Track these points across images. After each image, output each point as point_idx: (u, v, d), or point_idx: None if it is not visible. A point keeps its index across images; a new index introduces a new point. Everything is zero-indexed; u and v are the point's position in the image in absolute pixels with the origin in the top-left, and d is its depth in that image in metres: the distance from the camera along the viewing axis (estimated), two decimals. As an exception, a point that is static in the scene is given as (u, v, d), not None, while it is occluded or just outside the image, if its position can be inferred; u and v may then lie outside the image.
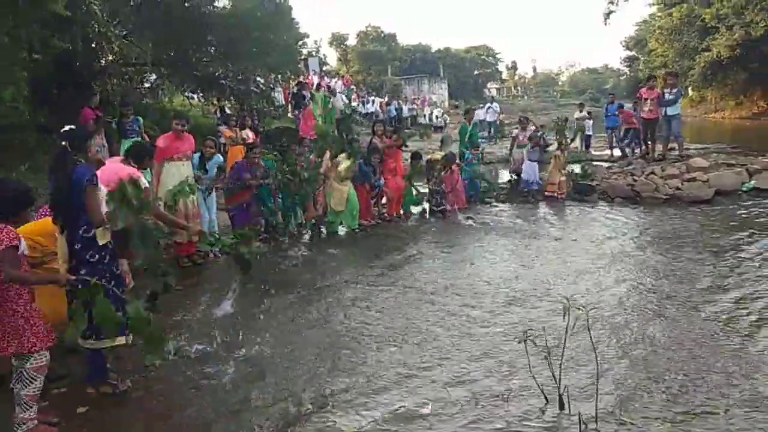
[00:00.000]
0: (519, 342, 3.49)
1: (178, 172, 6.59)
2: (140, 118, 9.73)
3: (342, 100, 16.03)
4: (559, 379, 3.43)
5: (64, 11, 8.49)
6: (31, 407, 3.38)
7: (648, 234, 8.24)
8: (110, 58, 14.15)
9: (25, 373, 3.35)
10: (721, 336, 4.53)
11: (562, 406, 3.45)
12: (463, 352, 4.39)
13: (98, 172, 4.84)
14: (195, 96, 18.66)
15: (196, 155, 7.25)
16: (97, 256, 3.74)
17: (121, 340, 3.82)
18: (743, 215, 8.91)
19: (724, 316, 4.94)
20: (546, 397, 3.53)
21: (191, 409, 3.72)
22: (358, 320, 5.22)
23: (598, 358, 3.56)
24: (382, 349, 4.55)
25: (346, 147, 9.03)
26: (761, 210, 9.09)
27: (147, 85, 16.83)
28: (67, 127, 3.89)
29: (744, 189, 10.44)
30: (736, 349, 4.27)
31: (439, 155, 10.49)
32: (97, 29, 12.13)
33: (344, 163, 8.76)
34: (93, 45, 13.14)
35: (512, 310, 5.30)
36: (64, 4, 8.65)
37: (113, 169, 4.79)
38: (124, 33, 14.28)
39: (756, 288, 5.63)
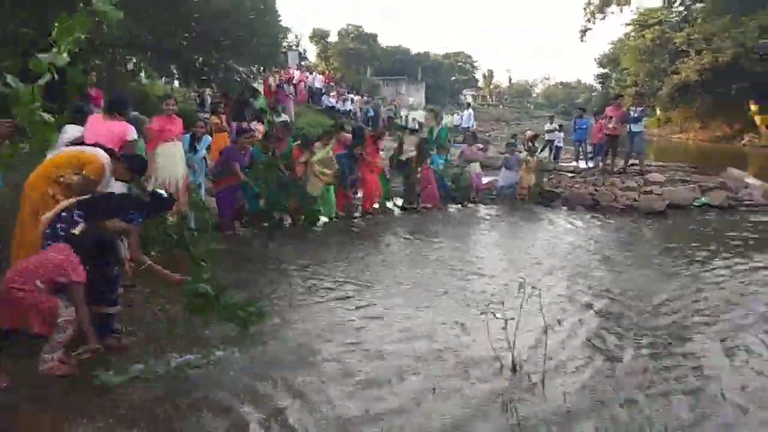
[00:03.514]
0: (481, 313, 4.01)
1: (173, 152, 6.99)
2: None
3: (291, 116, 15.43)
4: (513, 345, 3.98)
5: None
6: (55, 350, 3.78)
7: (601, 236, 8.92)
8: (95, 37, 14.28)
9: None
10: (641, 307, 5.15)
11: (515, 369, 3.99)
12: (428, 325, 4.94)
13: (86, 131, 5.36)
14: (176, 82, 18.90)
15: (186, 136, 7.62)
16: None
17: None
18: (687, 226, 9.72)
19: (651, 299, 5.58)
20: (501, 362, 4.08)
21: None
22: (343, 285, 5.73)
23: (547, 328, 4.14)
24: (357, 325, 5.04)
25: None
26: (704, 223, 9.92)
27: (130, 67, 16.85)
28: None
29: (696, 204, 11.24)
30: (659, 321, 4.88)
31: (413, 154, 11.03)
32: (79, 6, 12.31)
33: (320, 152, 9.19)
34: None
35: (474, 289, 5.89)
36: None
37: (105, 127, 5.26)
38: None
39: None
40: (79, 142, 5.30)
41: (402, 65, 57.33)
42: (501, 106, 67.25)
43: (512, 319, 4.00)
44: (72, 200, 4.26)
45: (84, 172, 4.48)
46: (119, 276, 4.42)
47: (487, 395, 3.74)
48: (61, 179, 4.40)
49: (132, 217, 4.41)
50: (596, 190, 11.65)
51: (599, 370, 4.17)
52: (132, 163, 4.74)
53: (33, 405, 3.54)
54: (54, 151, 5.39)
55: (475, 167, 12.08)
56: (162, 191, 4.62)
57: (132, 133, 5.27)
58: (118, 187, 5.09)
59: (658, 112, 41.41)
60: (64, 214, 4.14)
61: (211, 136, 8.99)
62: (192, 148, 7.61)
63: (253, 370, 4.01)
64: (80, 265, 3.85)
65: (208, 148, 8.13)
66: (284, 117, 13.57)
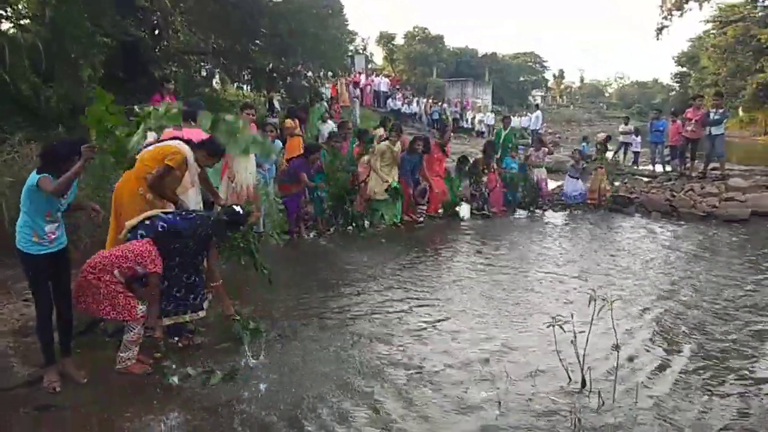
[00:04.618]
0: (549, 326, 3.89)
1: (245, 159, 7.17)
2: None
3: (331, 128, 13.33)
4: (583, 360, 3.84)
5: (143, 1, 9.17)
6: (130, 349, 3.95)
7: (678, 245, 8.51)
8: (173, 45, 14.89)
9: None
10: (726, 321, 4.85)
11: (584, 384, 3.86)
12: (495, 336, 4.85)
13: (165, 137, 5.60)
14: (245, 87, 19.47)
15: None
16: None
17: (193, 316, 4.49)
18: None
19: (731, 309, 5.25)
20: (570, 376, 3.95)
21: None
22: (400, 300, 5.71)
23: (618, 342, 3.99)
24: (419, 336, 5.01)
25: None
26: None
27: (203, 74, 17.44)
28: None
29: (782, 212, 10.54)
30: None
31: (481, 157, 10.95)
32: (165, 19, 12.90)
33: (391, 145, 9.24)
34: (156, 33, 13.93)
35: (542, 300, 5.72)
36: (144, -5, 9.39)
37: (181, 134, 5.46)
38: (186, 23, 15.01)
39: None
40: None
41: (468, 67, 56.66)
42: (572, 107, 65.50)
43: (582, 332, 3.87)
44: (156, 211, 4.42)
45: (166, 162, 4.66)
46: (200, 283, 4.56)
47: (554, 410, 3.63)
48: (149, 175, 4.62)
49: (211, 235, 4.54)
50: (674, 195, 11.13)
51: (672, 386, 3.99)
52: (209, 147, 4.88)
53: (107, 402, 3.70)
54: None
55: (541, 172, 11.79)
56: (238, 207, 4.70)
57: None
58: (192, 194, 5.26)
59: (740, 112, 39.30)
60: (147, 222, 4.30)
61: (284, 140, 9.16)
62: (263, 153, 7.76)
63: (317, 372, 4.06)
64: (159, 257, 4.00)
65: (280, 152, 8.29)
66: (330, 124, 13.12)
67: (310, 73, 17.85)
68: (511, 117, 16.20)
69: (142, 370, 3.99)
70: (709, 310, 5.59)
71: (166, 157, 4.65)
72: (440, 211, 10.43)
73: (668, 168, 14.91)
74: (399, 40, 57.24)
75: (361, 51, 43.74)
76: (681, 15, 34.70)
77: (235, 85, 19.39)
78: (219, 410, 3.60)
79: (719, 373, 4.22)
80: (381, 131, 10.46)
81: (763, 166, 16.13)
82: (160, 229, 4.20)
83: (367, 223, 9.16)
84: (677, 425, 3.50)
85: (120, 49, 11.47)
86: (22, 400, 3.63)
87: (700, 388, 3.97)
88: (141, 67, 12.67)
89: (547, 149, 12.54)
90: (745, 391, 3.94)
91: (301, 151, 9.15)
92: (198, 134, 5.46)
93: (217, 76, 17.72)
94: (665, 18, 36.74)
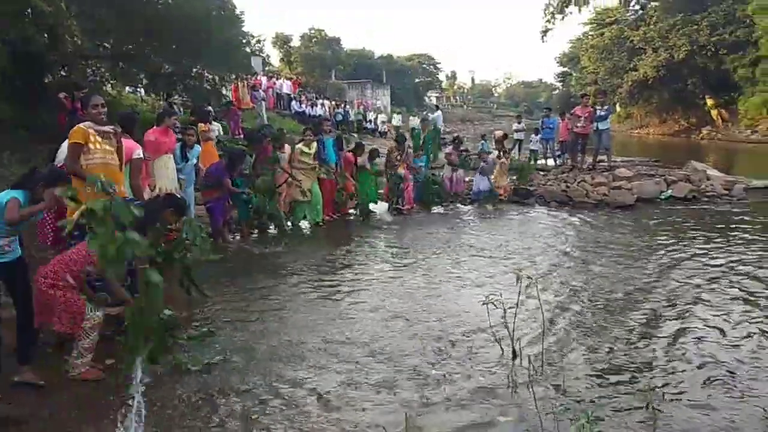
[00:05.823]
0: (483, 305, 4.33)
1: (167, 165, 7.12)
2: None
3: (217, 130, 13.28)
4: (513, 333, 4.31)
5: (44, 5, 8.78)
6: (84, 356, 3.95)
7: (580, 230, 9.40)
8: (69, 50, 14.19)
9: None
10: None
11: (515, 355, 4.33)
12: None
13: None
14: (142, 90, 18.83)
15: (177, 145, 7.72)
16: None
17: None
18: (655, 217, 10.36)
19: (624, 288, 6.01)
20: (502, 348, 4.41)
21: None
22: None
23: (545, 316, 4.51)
24: (354, 322, 5.32)
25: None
26: (671, 213, 10.56)
27: (97, 77, 16.69)
28: None
29: (662, 197, 11.85)
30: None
31: (394, 145, 11.42)
32: (62, 23, 12.31)
33: (309, 149, 9.50)
34: (50, 37, 13.23)
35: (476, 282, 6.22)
36: (44, -1, 8.94)
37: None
38: (81, 27, 14.35)
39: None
40: None
41: (366, 69, 57.51)
42: (465, 107, 68.18)
43: (511, 308, 4.32)
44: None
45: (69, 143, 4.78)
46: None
47: (493, 382, 4.05)
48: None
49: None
50: (568, 186, 12.15)
51: (588, 348, 4.57)
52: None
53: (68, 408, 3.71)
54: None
55: (460, 170, 12.49)
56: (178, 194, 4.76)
57: (139, 151, 5.43)
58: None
59: (618, 108, 42.70)
60: None
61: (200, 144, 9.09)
62: (183, 158, 7.71)
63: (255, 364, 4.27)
64: None
65: (198, 157, 8.25)
66: (215, 125, 12.89)
67: (210, 76, 17.59)
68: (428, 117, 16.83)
69: (95, 376, 4.00)
70: (609, 278, 6.45)
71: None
72: (352, 210, 10.68)
73: (559, 162, 16.15)
74: (296, 42, 57.06)
75: (257, 53, 43.14)
76: (563, 18, 37.11)
77: (127, 88, 18.75)
78: (179, 410, 3.72)
79: (620, 328, 4.95)
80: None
81: (641, 157, 17.87)
82: None
83: (289, 223, 9.34)
84: (602, 382, 4.02)
85: (14, 54, 10.86)
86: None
87: (613, 346, 4.58)
88: (34, 73, 12.05)
89: (463, 147, 13.24)
90: (645, 340, 4.65)
91: (217, 156, 9.19)
92: (131, 145, 5.43)
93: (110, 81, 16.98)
94: (549, 21, 39.22)
